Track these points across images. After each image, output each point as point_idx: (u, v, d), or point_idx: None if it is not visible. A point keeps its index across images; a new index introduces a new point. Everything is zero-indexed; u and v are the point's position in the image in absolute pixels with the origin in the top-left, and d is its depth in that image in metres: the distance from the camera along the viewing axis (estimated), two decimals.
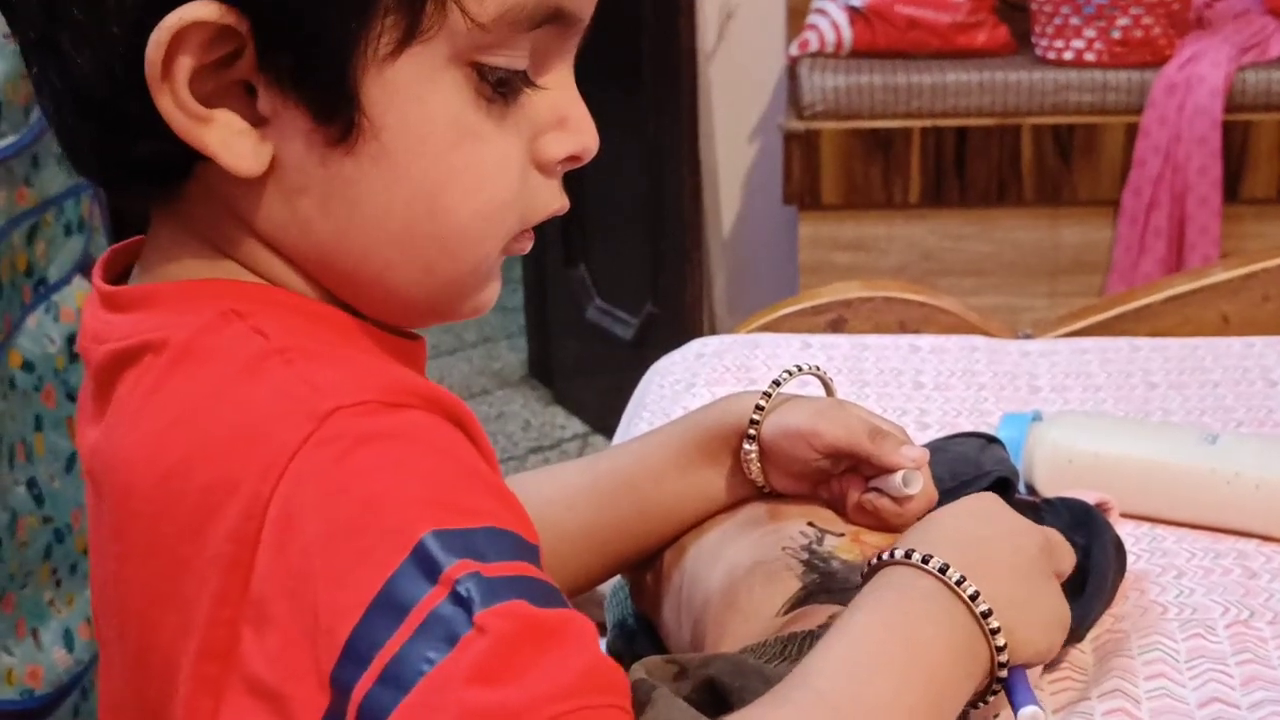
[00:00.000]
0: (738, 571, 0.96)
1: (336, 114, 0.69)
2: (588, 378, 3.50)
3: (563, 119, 0.75)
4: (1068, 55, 2.84)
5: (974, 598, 0.78)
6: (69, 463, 1.66)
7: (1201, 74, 2.74)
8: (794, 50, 3.01)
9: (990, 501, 0.88)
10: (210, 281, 0.73)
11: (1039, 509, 1.21)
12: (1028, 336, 1.91)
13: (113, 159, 0.73)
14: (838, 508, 1.00)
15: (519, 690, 0.59)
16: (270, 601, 0.64)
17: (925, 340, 1.80)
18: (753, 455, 1.00)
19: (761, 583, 0.94)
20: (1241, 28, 2.89)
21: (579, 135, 0.76)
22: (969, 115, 2.84)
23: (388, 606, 0.61)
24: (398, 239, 0.72)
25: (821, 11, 3.01)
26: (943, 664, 0.76)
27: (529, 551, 0.65)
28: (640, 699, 0.78)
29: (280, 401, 0.66)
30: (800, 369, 1.03)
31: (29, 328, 1.63)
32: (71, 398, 1.66)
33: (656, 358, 1.82)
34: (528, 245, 0.78)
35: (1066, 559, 0.88)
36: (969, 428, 1.50)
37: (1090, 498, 1.26)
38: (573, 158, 0.76)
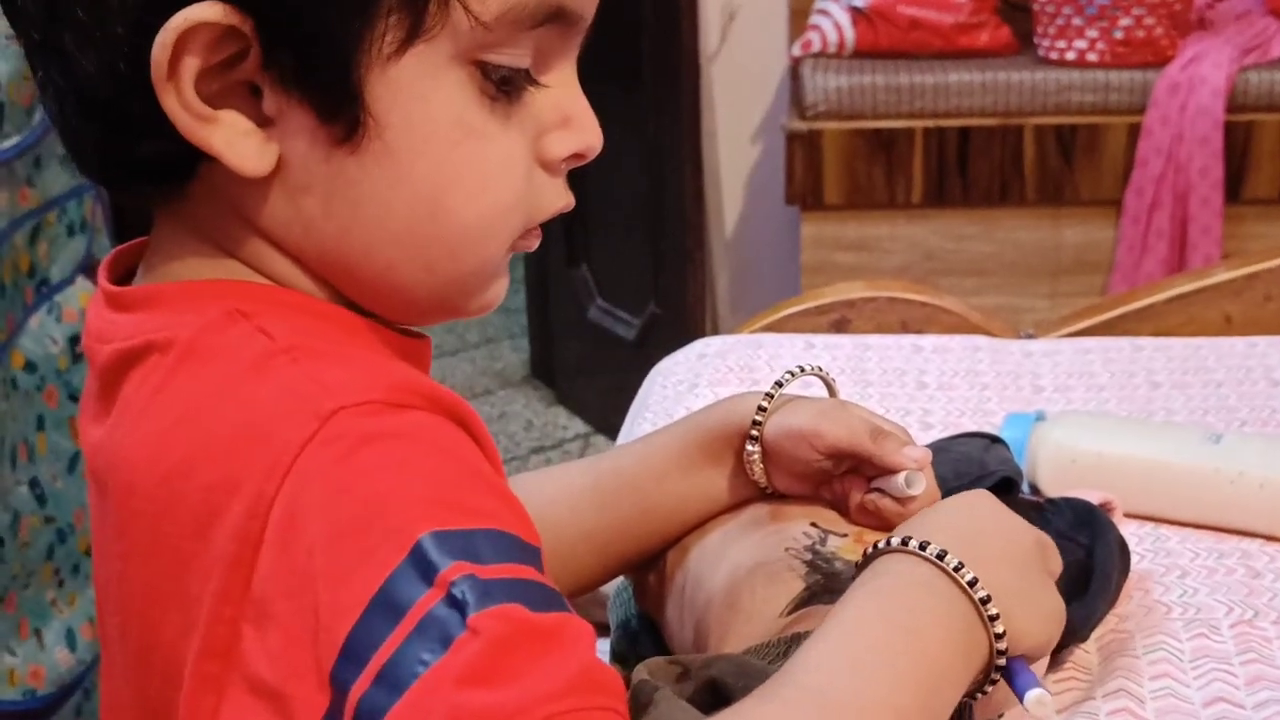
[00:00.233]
0: (740, 572, 0.96)
1: (341, 113, 0.69)
2: (590, 378, 3.50)
3: (566, 117, 0.75)
4: (1070, 55, 2.83)
5: (972, 584, 0.77)
6: (71, 463, 1.66)
7: (1204, 74, 2.74)
8: (796, 50, 3.01)
9: (985, 497, 0.88)
10: (215, 281, 0.73)
11: (1043, 509, 1.21)
12: (1030, 336, 1.91)
13: (117, 159, 0.73)
14: (840, 508, 1.00)
15: (511, 692, 0.59)
16: (272, 600, 0.64)
17: (928, 340, 1.80)
18: (755, 456, 1.00)
19: (764, 583, 0.94)
20: (1243, 28, 2.89)
21: (582, 133, 0.76)
22: (971, 115, 2.83)
23: (385, 607, 0.61)
24: (401, 238, 0.72)
25: (824, 12, 3.01)
26: (940, 652, 0.75)
27: (529, 553, 0.64)
28: (643, 700, 0.78)
29: (285, 401, 0.66)
30: (803, 369, 1.03)
31: (31, 328, 1.63)
32: (74, 398, 1.66)
33: (659, 358, 1.82)
34: (535, 242, 0.78)
35: (1056, 561, 0.88)
36: (972, 428, 1.50)
37: (1094, 497, 1.26)
38: (577, 155, 0.76)
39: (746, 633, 0.91)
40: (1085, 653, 1.14)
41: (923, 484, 0.96)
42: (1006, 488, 1.21)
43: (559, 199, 0.77)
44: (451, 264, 0.74)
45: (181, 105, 0.68)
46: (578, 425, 3.50)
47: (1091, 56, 2.82)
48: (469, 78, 0.70)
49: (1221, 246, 2.76)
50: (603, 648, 1.10)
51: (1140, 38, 2.79)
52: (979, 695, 0.81)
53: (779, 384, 1.01)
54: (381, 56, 0.68)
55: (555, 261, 3.49)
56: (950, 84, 2.83)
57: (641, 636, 1.06)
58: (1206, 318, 1.96)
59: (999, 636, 0.78)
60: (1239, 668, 1.12)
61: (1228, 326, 1.94)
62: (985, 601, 0.77)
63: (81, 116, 0.71)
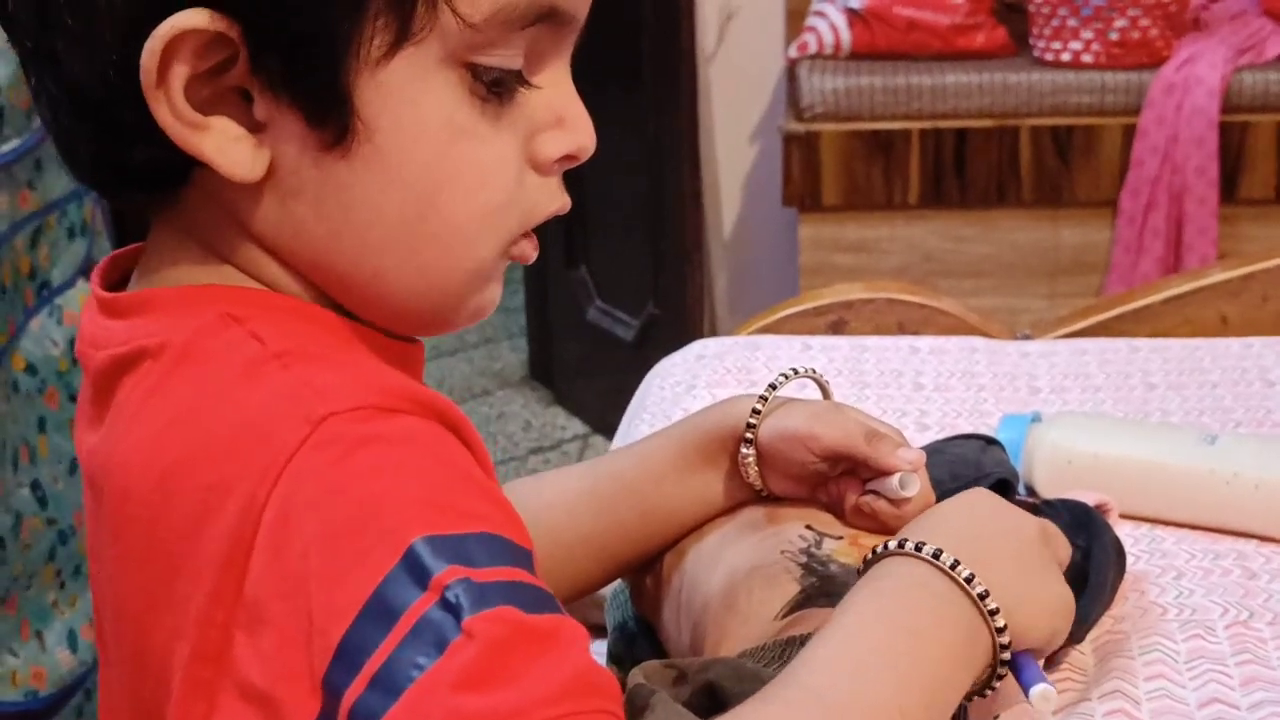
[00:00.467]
0: (737, 575, 0.95)
1: (330, 118, 0.68)
2: (588, 378, 3.50)
3: (559, 118, 0.74)
4: (1066, 57, 2.83)
5: (969, 580, 0.77)
6: (72, 465, 1.66)
7: (1199, 75, 2.74)
8: (793, 52, 3.01)
9: (986, 495, 0.87)
10: (208, 286, 0.72)
11: (1039, 510, 1.20)
12: (1026, 337, 1.91)
13: (111, 166, 0.72)
14: (836, 511, 1.00)
15: (507, 695, 0.58)
16: (265, 603, 0.64)
17: (925, 341, 1.80)
18: (750, 459, 1.00)
19: (760, 586, 0.94)
20: (1238, 29, 2.89)
21: (576, 134, 0.75)
22: (968, 116, 2.83)
23: (379, 611, 0.60)
24: (393, 242, 0.71)
25: (820, 14, 3.01)
26: (942, 651, 0.75)
27: (521, 556, 0.64)
28: (639, 704, 0.78)
29: (277, 405, 0.66)
30: (796, 372, 1.03)
31: (32, 331, 1.63)
32: (74, 400, 1.66)
33: (657, 359, 1.82)
34: (532, 252, 0.77)
35: (1064, 548, 0.88)
36: (968, 429, 1.50)
37: (1090, 499, 1.26)
38: (570, 157, 0.75)
39: (743, 635, 0.91)
40: (1081, 654, 1.14)
41: (917, 485, 0.96)
42: (1002, 489, 1.21)
43: (553, 201, 0.76)
44: (444, 267, 0.73)
45: (172, 112, 0.67)
46: (576, 425, 3.50)
47: (1087, 58, 2.82)
48: (459, 80, 0.70)
49: (1217, 247, 2.76)
50: (600, 649, 1.10)
51: (1135, 39, 2.79)
52: (987, 692, 0.80)
53: (773, 386, 1.01)
54: (370, 60, 0.68)
55: (554, 262, 3.49)
56: (947, 85, 2.83)
57: (638, 639, 1.06)
58: (1203, 318, 1.96)
59: (1000, 631, 0.78)
60: (1234, 668, 1.12)
61: (1224, 327, 1.94)
62: (984, 597, 0.77)
63: (75, 123, 0.71)
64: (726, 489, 1.02)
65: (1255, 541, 1.31)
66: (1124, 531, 1.27)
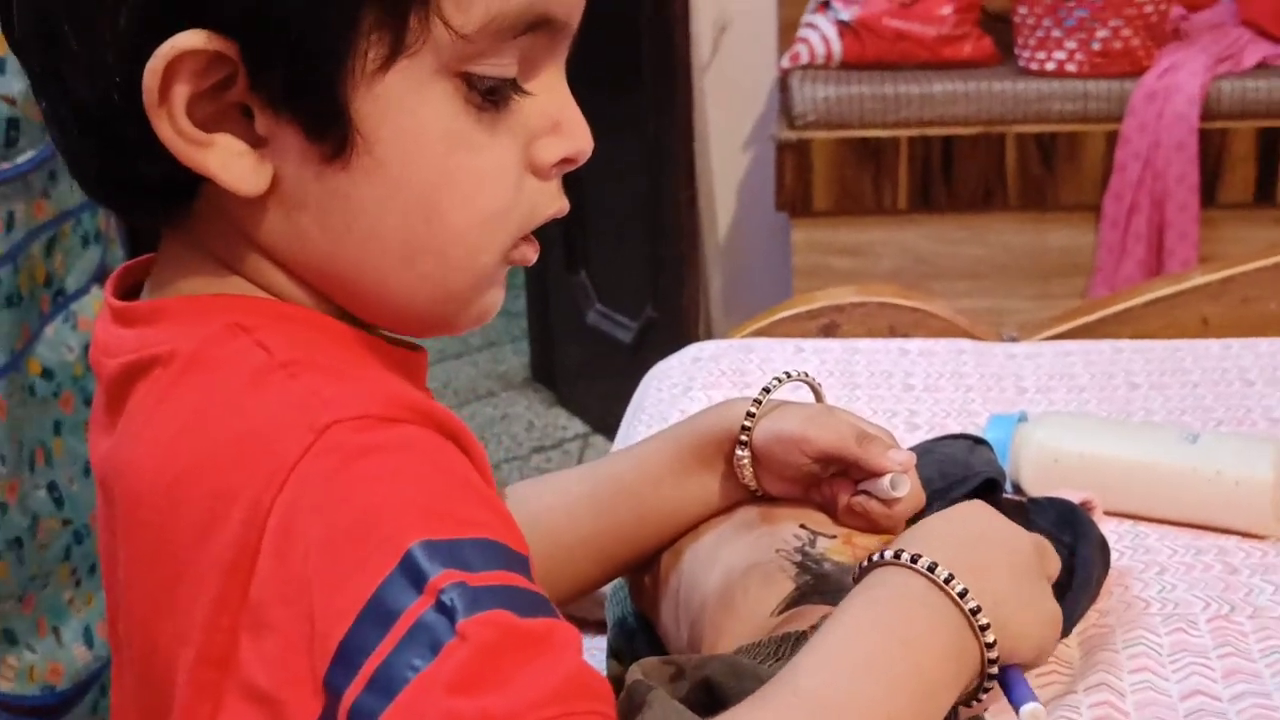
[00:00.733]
0: (733, 574, 0.95)
1: (329, 131, 0.68)
2: (589, 380, 3.50)
3: (556, 123, 0.74)
4: (1050, 66, 2.83)
5: (962, 595, 0.76)
6: (87, 467, 1.66)
7: (1179, 83, 2.74)
8: (785, 62, 3.01)
9: (982, 508, 0.87)
10: (216, 296, 0.72)
11: (1025, 508, 1.20)
12: (1013, 339, 1.91)
13: (118, 183, 0.72)
14: (829, 510, 0.99)
15: (500, 697, 0.58)
16: (269, 607, 0.64)
17: (914, 344, 1.80)
18: (745, 461, 1.00)
19: (756, 584, 0.93)
20: (1217, 39, 2.89)
21: (573, 138, 0.74)
22: (955, 124, 2.83)
23: (377, 614, 0.60)
24: (395, 249, 0.71)
25: (812, 25, 3.00)
26: (931, 661, 0.74)
27: (516, 561, 0.64)
28: (637, 701, 0.78)
29: (283, 414, 0.66)
30: (789, 375, 1.03)
31: (48, 336, 1.63)
32: (89, 403, 1.66)
33: (655, 360, 1.82)
34: (533, 255, 0.76)
35: (1054, 563, 0.87)
36: (957, 429, 1.50)
37: (1075, 496, 1.26)
38: (568, 160, 0.75)
39: (739, 632, 0.91)
40: (1067, 647, 1.14)
41: (907, 486, 0.96)
42: (990, 488, 1.21)
43: (552, 204, 0.76)
44: (446, 273, 0.73)
45: (175, 130, 0.67)
46: (577, 426, 3.50)
47: (1071, 67, 2.81)
48: (455, 89, 0.69)
49: (1198, 250, 2.76)
50: (601, 644, 1.10)
51: (1118, 49, 2.79)
52: (973, 703, 0.80)
53: (766, 390, 1.01)
54: (366, 74, 0.67)
55: (555, 267, 3.49)
56: (935, 94, 2.83)
57: (637, 634, 1.05)
58: (1184, 320, 1.96)
59: (989, 646, 0.77)
60: (1216, 661, 1.12)
61: (1205, 328, 1.94)
62: (975, 612, 0.76)
63: (82, 142, 0.71)
64: (722, 490, 1.02)
65: (1236, 537, 1.31)
66: (1108, 528, 1.27)
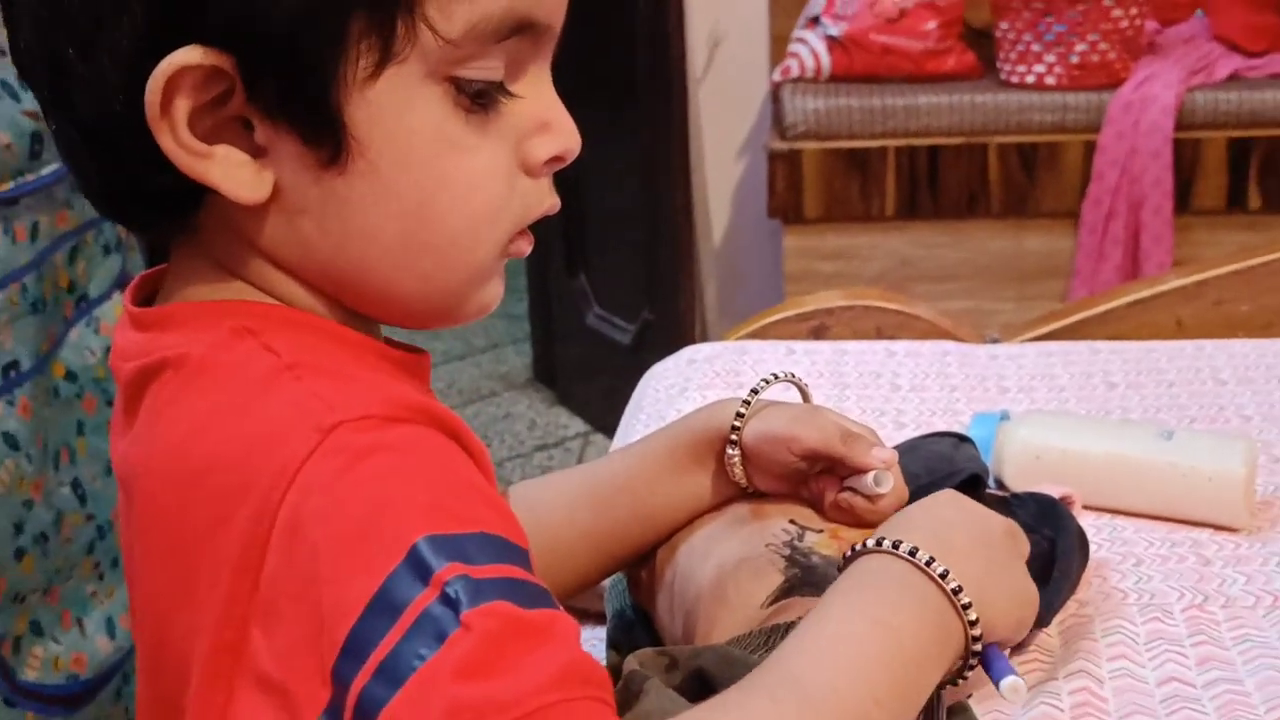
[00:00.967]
0: (725, 567, 0.95)
1: (325, 138, 0.68)
2: (588, 380, 3.50)
3: (544, 123, 0.74)
4: (1030, 79, 2.83)
5: (944, 576, 0.76)
6: (108, 465, 1.66)
7: (1154, 95, 2.74)
8: (777, 76, 3.01)
9: (956, 496, 0.87)
10: (224, 302, 0.72)
11: (1008, 503, 1.20)
12: (995, 341, 1.91)
13: (126, 197, 0.72)
14: (816, 506, 0.99)
15: (503, 685, 0.58)
16: (278, 601, 0.64)
17: (901, 345, 1.80)
18: (736, 459, 1.00)
19: (748, 577, 0.93)
20: (1190, 52, 2.89)
21: (561, 136, 0.74)
22: (939, 135, 2.83)
23: (384, 606, 0.60)
24: (394, 250, 0.71)
25: (802, 40, 3.00)
26: (915, 643, 0.74)
27: (517, 555, 0.64)
28: (634, 689, 0.78)
29: (290, 415, 0.66)
30: (776, 377, 1.03)
31: (71, 340, 1.63)
32: (110, 404, 1.66)
33: (652, 362, 1.82)
34: (527, 247, 0.76)
35: (1025, 545, 0.87)
36: (942, 427, 1.49)
37: (1055, 491, 1.25)
38: (557, 158, 0.75)
39: (731, 623, 0.91)
40: (1048, 636, 1.14)
41: (890, 482, 0.96)
42: (974, 483, 1.20)
43: (544, 201, 0.76)
44: (445, 270, 0.73)
45: (177, 144, 0.67)
46: (578, 424, 3.50)
47: (1050, 79, 2.81)
48: (444, 93, 0.69)
49: (1173, 254, 2.76)
50: (600, 635, 1.10)
51: (1095, 62, 2.79)
52: (959, 681, 0.80)
53: (755, 391, 1.01)
54: (358, 82, 0.67)
55: (555, 271, 3.49)
56: (920, 106, 2.83)
57: (635, 626, 1.05)
58: (1160, 322, 1.96)
59: (973, 624, 0.77)
60: (1190, 649, 1.11)
61: (1180, 330, 1.94)
62: (957, 592, 0.77)
63: (90, 159, 0.71)
64: (715, 487, 1.02)
65: (1209, 530, 1.31)
66: (1087, 522, 1.27)
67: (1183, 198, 2.76)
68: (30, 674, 1.55)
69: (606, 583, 1.10)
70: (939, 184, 2.85)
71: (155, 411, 0.71)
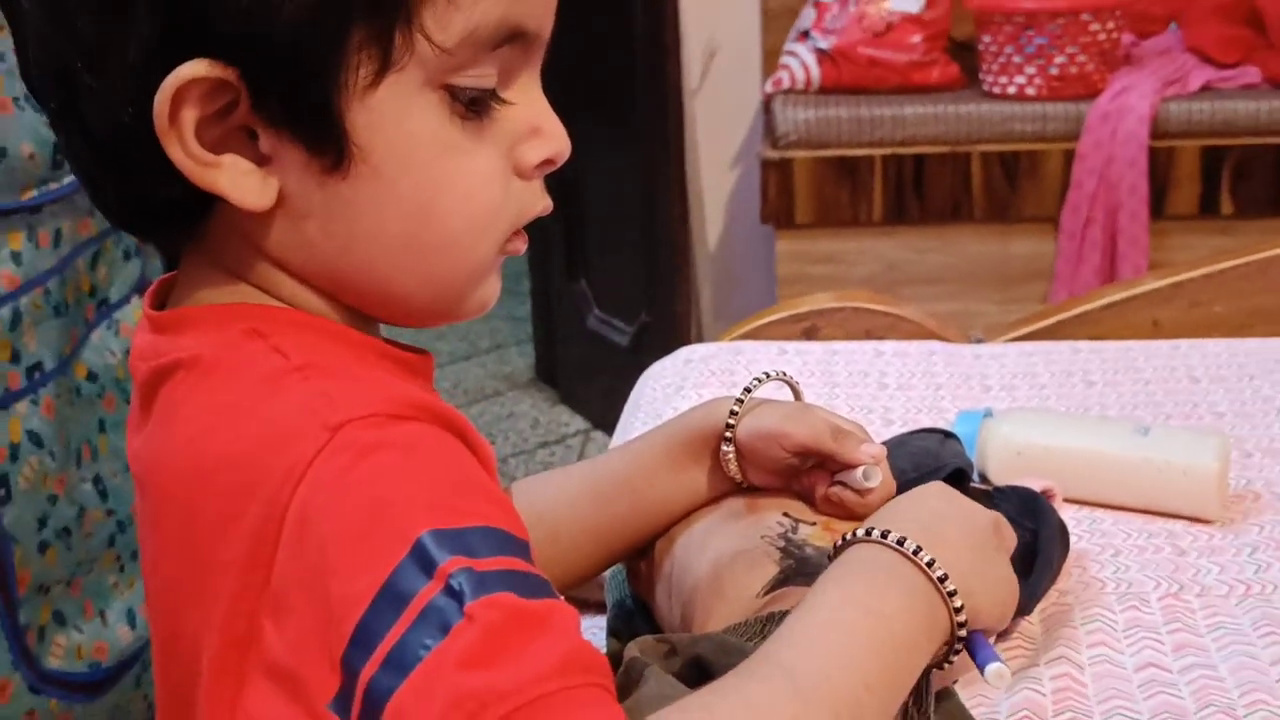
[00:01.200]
0: (721, 558, 0.95)
1: (328, 145, 0.68)
2: (589, 380, 3.49)
3: (535, 128, 0.74)
4: (1011, 90, 2.83)
5: (930, 564, 0.76)
6: (128, 462, 1.65)
7: (1130, 105, 2.73)
8: (769, 87, 3.00)
9: (940, 487, 0.86)
10: (234, 305, 0.72)
11: (991, 496, 1.20)
12: (979, 341, 1.91)
13: (137, 207, 0.72)
14: (808, 499, 0.99)
15: (506, 673, 0.58)
16: (289, 594, 0.63)
17: (889, 345, 1.79)
18: (730, 455, 0.99)
19: (743, 568, 0.93)
20: (1165, 64, 2.89)
21: (552, 140, 0.74)
22: (925, 144, 2.83)
23: (390, 598, 0.60)
24: (396, 250, 0.71)
25: (793, 53, 3.00)
26: (903, 630, 0.74)
27: (519, 547, 0.64)
28: (634, 676, 0.77)
29: (298, 414, 0.65)
30: (769, 376, 1.03)
31: (93, 342, 1.63)
32: (130, 403, 1.66)
33: (650, 362, 1.81)
34: (522, 246, 0.76)
35: (1010, 538, 0.87)
36: (928, 424, 1.49)
37: (1037, 485, 1.25)
38: (548, 162, 0.75)
39: (727, 613, 0.90)
40: (1030, 624, 1.14)
41: (879, 477, 0.95)
42: (959, 478, 1.21)
43: (537, 202, 0.76)
44: (446, 269, 0.73)
45: (186, 154, 0.67)
46: (579, 422, 3.49)
47: (1031, 90, 2.81)
48: (440, 100, 0.69)
49: (1148, 257, 2.76)
50: (601, 624, 1.10)
51: (1074, 73, 2.79)
52: (944, 666, 0.80)
53: (748, 390, 1.01)
54: (358, 90, 0.67)
55: (557, 276, 3.49)
56: (906, 116, 2.83)
57: (635, 615, 1.05)
58: (1137, 322, 1.96)
59: (958, 611, 0.77)
60: (1166, 636, 1.11)
61: (1155, 330, 1.94)
62: (943, 580, 0.76)
63: (101, 171, 0.71)
64: (710, 482, 1.02)
65: (1184, 522, 1.31)
66: (1067, 514, 1.27)
67: (1158, 204, 2.76)
68: (54, 662, 1.55)
69: (607, 573, 1.09)
70: (925, 191, 2.84)
71: (169, 410, 0.71)
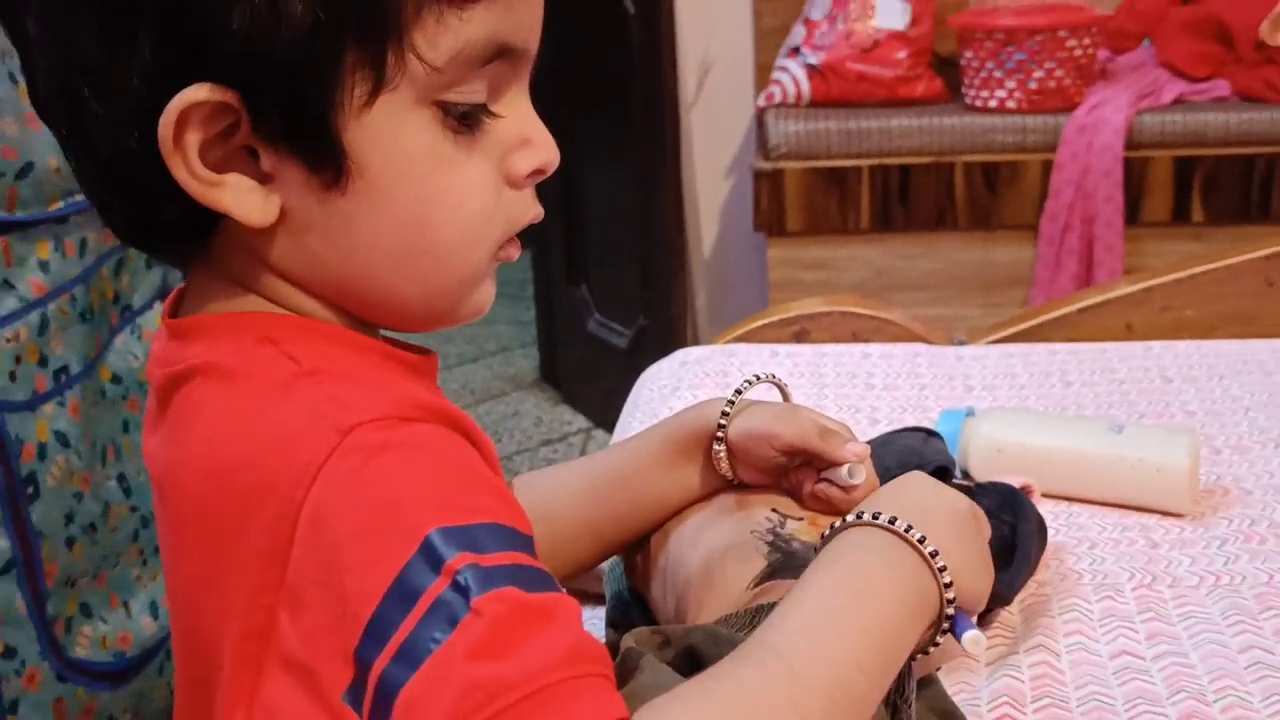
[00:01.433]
0: (714, 554, 0.95)
1: (326, 163, 0.68)
2: (589, 381, 3.49)
3: (525, 139, 0.74)
4: (993, 103, 2.83)
5: (921, 541, 0.76)
6: None
7: (1106, 118, 2.74)
8: (761, 101, 3.00)
9: (923, 477, 0.86)
10: (246, 314, 0.72)
11: (972, 491, 1.20)
12: (962, 343, 1.91)
13: (145, 225, 0.72)
14: (796, 496, 0.99)
15: (513, 664, 0.58)
16: (304, 589, 0.64)
17: (875, 348, 1.79)
18: (722, 454, 0.99)
19: (734, 562, 0.93)
20: (1139, 78, 2.89)
21: (541, 150, 0.74)
22: (910, 155, 2.83)
23: (401, 594, 0.60)
24: (395, 259, 0.71)
25: (784, 68, 3.00)
26: (893, 609, 0.73)
27: (523, 542, 0.64)
28: (630, 665, 0.77)
29: (310, 417, 0.65)
30: (759, 378, 1.03)
31: (116, 346, 1.63)
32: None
33: (647, 364, 1.81)
34: (516, 253, 0.76)
35: (986, 527, 0.87)
36: (913, 423, 1.49)
37: (1016, 481, 1.26)
38: (539, 171, 0.75)
39: (719, 605, 0.90)
40: (1010, 614, 1.14)
41: (863, 474, 0.95)
42: (942, 474, 1.21)
43: (529, 210, 0.75)
44: (442, 275, 0.73)
45: (190, 174, 0.67)
46: (580, 421, 3.49)
47: (1011, 104, 2.81)
48: (433, 116, 0.69)
49: (1123, 263, 2.76)
50: (600, 615, 1.10)
51: (1052, 87, 2.79)
52: (931, 649, 0.79)
53: (739, 391, 1.01)
54: (354, 109, 0.67)
55: (559, 282, 3.49)
56: (892, 128, 2.83)
57: (631, 607, 1.05)
58: (1111, 325, 1.96)
59: (948, 586, 0.76)
60: (1140, 625, 1.12)
61: (1129, 333, 1.94)
62: (934, 555, 0.76)
63: (109, 192, 0.71)
64: (703, 479, 1.02)
65: (1157, 516, 1.32)
66: (1045, 509, 1.27)
67: (1132, 212, 2.76)
68: (80, 651, 1.55)
69: (605, 566, 1.09)
70: (910, 200, 2.84)
71: (185, 414, 0.71)
